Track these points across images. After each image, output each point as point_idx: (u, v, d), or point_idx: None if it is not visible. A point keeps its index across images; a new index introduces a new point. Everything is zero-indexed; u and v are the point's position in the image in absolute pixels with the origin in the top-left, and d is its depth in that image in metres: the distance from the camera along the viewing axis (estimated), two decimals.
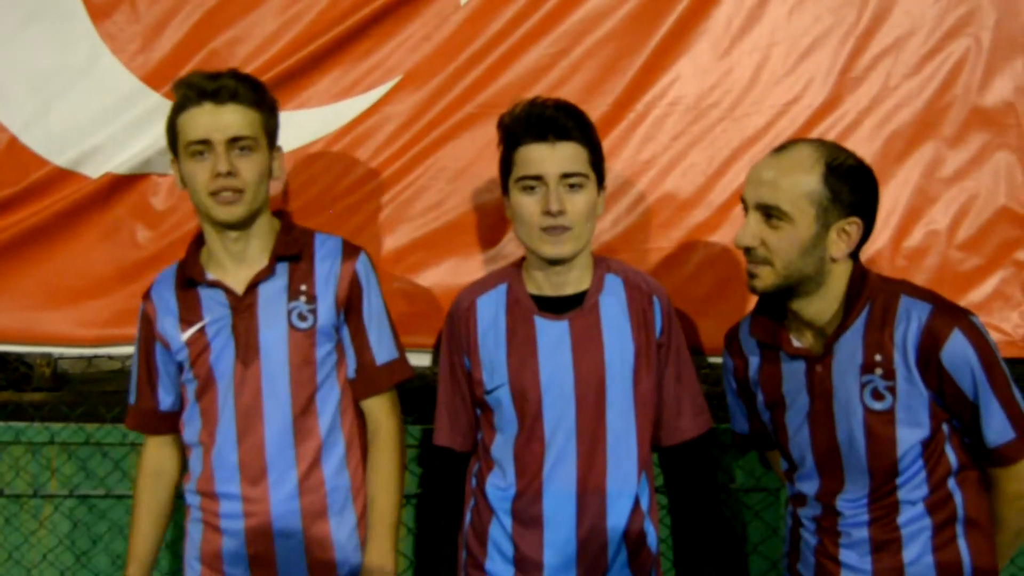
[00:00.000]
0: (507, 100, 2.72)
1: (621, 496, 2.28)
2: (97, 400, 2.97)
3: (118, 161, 2.87)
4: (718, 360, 2.51)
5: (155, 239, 2.90)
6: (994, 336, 2.58)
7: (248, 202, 2.24)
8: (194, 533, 2.38)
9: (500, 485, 2.31)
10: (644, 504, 2.32)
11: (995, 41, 2.79)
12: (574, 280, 2.32)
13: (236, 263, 2.33)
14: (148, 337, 2.40)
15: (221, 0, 2.88)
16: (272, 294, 2.31)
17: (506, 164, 2.28)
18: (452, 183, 2.86)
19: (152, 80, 2.87)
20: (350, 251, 2.39)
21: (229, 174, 2.20)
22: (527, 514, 2.27)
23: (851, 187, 2.03)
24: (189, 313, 2.34)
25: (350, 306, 2.36)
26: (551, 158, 2.19)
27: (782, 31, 2.82)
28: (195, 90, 2.22)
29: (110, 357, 3.00)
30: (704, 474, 2.60)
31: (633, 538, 2.29)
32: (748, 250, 2.08)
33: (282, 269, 2.33)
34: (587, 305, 2.30)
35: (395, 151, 2.85)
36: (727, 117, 2.82)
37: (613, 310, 2.31)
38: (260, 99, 2.28)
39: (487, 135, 2.79)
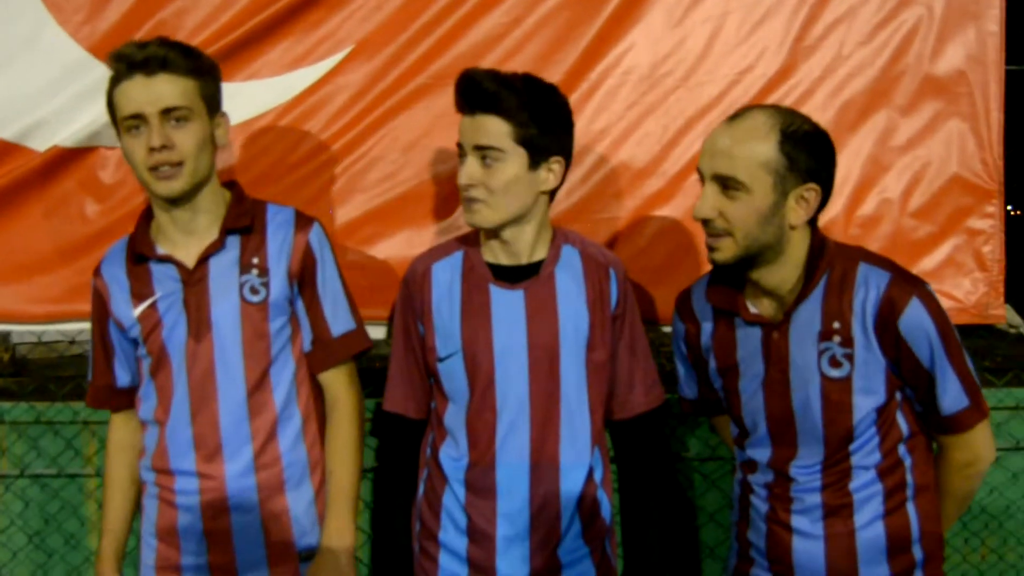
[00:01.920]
0: (460, 70, 2.72)
1: (575, 467, 2.27)
2: (49, 380, 2.94)
3: (65, 134, 2.82)
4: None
5: (104, 213, 2.86)
6: (946, 303, 2.62)
7: (189, 174, 2.18)
8: (150, 509, 2.35)
9: (453, 455, 2.30)
10: (598, 475, 2.32)
11: (947, 10, 2.80)
12: (530, 250, 2.29)
13: (186, 236, 2.28)
14: (101, 314, 2.36)
15: None
16: (223, 267, 2.28)
17: None
18: (405, 154, 2.83)
19: (99, 51, 2.80)
20: (303, 222, 2.35)
21: (164, 147, 2.14)
22: (480, 484, 2.26)
23: (808, 153, 1.99)
24: (140, 288, 2.29)
25: (304, 278, 2.33)
26: (470, 129, 2.18)
27: None
28: (125, 62, 2.15)
29: (62, 335, 2.96)
30: (657, 448, 2.60)
31: (587, 509, 2.29)
32: (706, 222, 2.04)
33: (233, 242, 2.29)
34: (543, 275, 2.29)
35: (348, 122, 2.82)
36: (681, 86, 2.81)
37: (569, 281, 2.30)
38: (193, 65, 2.20)
39: (440, 105, 2.78)
